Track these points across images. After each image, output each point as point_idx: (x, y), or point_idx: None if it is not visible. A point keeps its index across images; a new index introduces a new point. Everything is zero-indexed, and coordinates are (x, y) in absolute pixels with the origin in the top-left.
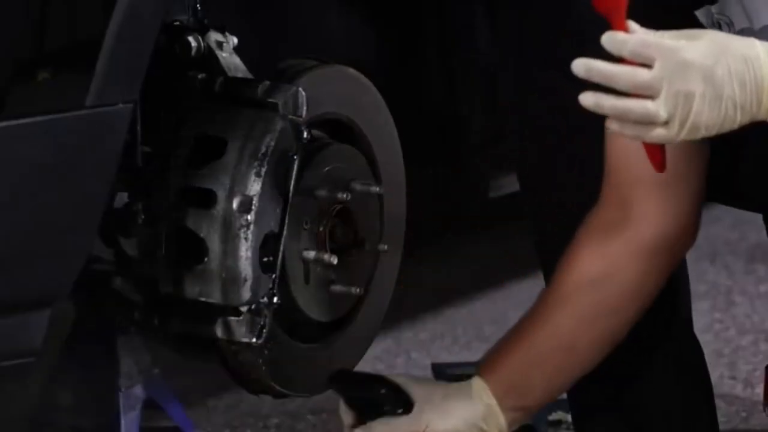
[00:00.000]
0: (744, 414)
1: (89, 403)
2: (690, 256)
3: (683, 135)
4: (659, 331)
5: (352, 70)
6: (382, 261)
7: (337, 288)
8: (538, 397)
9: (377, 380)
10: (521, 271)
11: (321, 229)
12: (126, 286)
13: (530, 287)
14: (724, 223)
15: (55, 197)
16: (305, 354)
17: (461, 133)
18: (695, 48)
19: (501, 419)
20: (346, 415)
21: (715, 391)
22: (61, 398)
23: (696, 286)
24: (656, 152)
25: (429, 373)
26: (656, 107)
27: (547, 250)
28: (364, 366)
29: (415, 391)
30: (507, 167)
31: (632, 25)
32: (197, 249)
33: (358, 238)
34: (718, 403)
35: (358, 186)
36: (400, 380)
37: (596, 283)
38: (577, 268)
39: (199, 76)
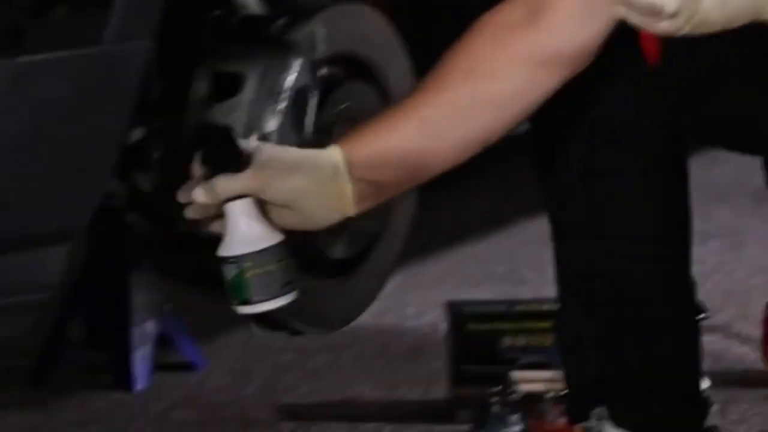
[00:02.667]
0: (757, 353)
1: (102, 338)
2: (699, 197)
3: (687, 30)
4: (659, 270)
5: (368, 8)
6: (398, 197)
7: (353, 224)
8: (390, 176)
9: (230, 139)
10: (532, 208)
11: None
12: (140, 222)
13: (541, 225)
14: (733, 163)
15: (72, 132)
16: (321, 291)
17: None
18: None
19: (348, 187)
20: (197, 169)
21: (727, 330)
22: (74, 334)
23: (705, 227)
24: (653, 43)
25: (442, 311)
26: (663, 1)
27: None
28: (376, 304)
29: (266, 152)
30: None
31: None
32: None
33: None
34: (731, 342)
35: None
36: (255, 143)
37: (479, 75)
38: (465, 58)
39: (216, 13)
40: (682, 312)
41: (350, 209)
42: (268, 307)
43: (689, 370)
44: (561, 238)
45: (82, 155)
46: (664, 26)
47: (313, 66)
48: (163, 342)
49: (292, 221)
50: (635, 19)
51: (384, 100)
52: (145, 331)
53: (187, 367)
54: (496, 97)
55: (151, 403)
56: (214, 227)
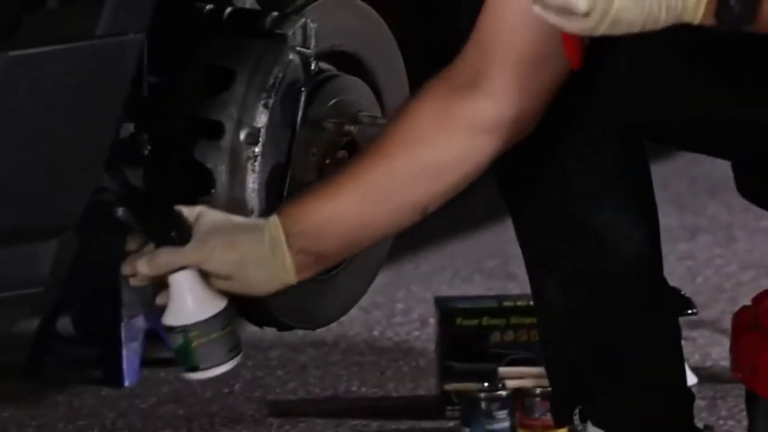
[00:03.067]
0: None
1: (91, 334)
2: (689, 192)
3: (603, 29)
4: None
5: (359, 2)
6: None
7: None
8: (330, 246)
9: (170, 211)
10: None
11: (328, 161)
12: (130, 217)
13: None
14: None
15: (64, 127)
16: (310, 287)
17: None
18: None
19: (288, 258)
20: (132, 242)
21: (716, 326)
22: (64, 329)
23: (696, 221)
24: (574, 47)
25: (432, 306)
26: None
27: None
28: (364, 299)
29: (206, 221)
30: None
31: None
32: (204, 180)
33: None
34: (720, 337)
35: (365, 118)
36: (197, 210)
37: (419, 144)
38: (406, 127)
39: (207, 7)
40: (659, 313)
41: (291, 279)
42: (216, 373)
43: (669, 369)
44: (531, 263)
45: (74, 150)
46: (577, 26)
47: (304, 61)
48: (152, 337)
49: (235, 290)
50: (551, 18)
51: (375, 95)
52: (134, 327)
53: (176, 362)
54: (435, 165)
55: (141, 398)
56: (159, 299)
